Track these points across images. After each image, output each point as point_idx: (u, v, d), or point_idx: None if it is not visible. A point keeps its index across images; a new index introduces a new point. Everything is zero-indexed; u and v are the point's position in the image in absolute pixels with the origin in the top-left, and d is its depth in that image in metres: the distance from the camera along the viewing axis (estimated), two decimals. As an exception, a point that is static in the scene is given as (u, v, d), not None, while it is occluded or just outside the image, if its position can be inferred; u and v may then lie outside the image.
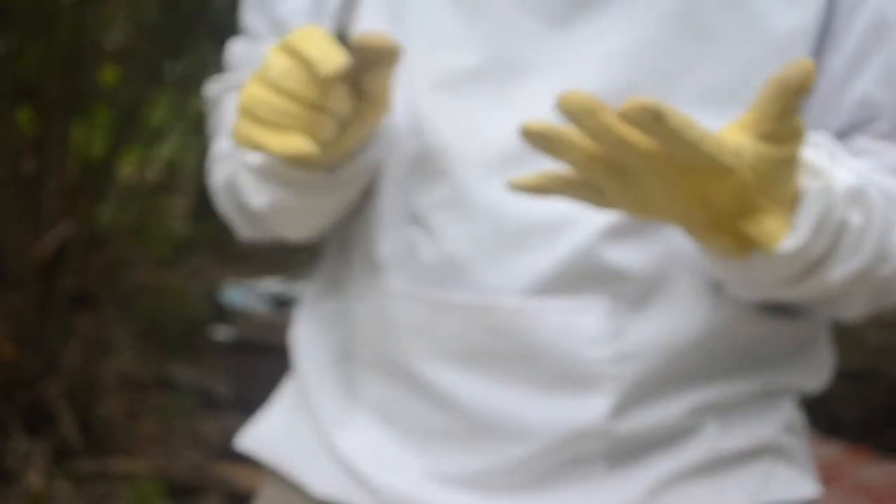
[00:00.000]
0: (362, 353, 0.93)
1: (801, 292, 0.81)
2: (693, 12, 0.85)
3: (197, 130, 4.93)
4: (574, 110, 0.68)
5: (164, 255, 4.66)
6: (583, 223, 0.84)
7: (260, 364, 3.31)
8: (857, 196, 0.79)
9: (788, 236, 0.75)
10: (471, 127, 0.87)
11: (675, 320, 0.86)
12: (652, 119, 0.67)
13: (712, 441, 0.88)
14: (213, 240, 5.59)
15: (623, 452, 0.87)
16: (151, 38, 3.43)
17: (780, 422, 0.91)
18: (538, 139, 0.70)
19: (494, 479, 0.88)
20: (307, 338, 0.99)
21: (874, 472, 3.10)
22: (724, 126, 0.74)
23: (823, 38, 0.86)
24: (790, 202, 0.75)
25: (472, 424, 0.88)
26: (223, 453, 3.30)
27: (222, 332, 3.49)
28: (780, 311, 0.89)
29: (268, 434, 1.00)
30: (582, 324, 0.85)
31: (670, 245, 0.85)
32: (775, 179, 0.73)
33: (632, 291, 0.85)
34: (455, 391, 0.88)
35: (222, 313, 3.57)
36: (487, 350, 0.87)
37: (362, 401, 0.93)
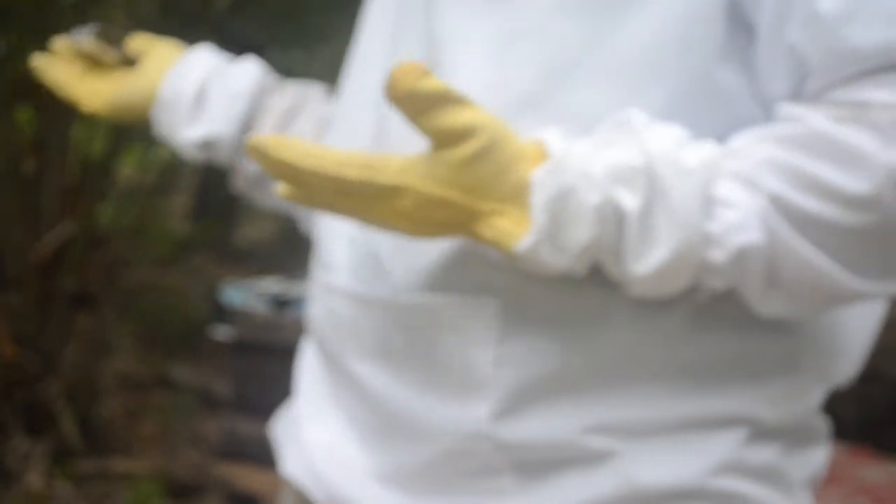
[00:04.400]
0: (322, 347, 0.95)
1: (638, 291, 0.76)
2: None
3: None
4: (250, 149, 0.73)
5: (164, 255, 4.66)
6: None
7: (260, 364, 3.31)
8: (626, 175, 0.73)
9: (525, 234, 0.73)
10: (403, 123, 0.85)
11: (568, 336, 0.80)
12: (261, 158, 0.71)
13: (625, 472, 0.81)
14: (213, 240, 5.59)
15: (530, 468, 0.83)
16: (151, 38, 3.42)
17: (715, 460, 0.81)
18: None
19: (413, 479, 0.87)
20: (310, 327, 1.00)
21: (875, 472, 3.10)
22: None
23: None
24: (521, 197, 0.74)
25: (389, 422, 0.87)
26: (223, 453, 3.29)
27: (222, 332, 3.48)
28: (719, 328, 0.81)
29: (285, 413, 1.04)
30: (469, 324, 0.82)
31: None
32: (477, 180, 0.73)
33: (524, 298, 0.81)
34: (375, 388, 0.87)
35: (222, 313, 3.57)
36: (397, 347, 0.86)
37: (334, 394, 0.94)
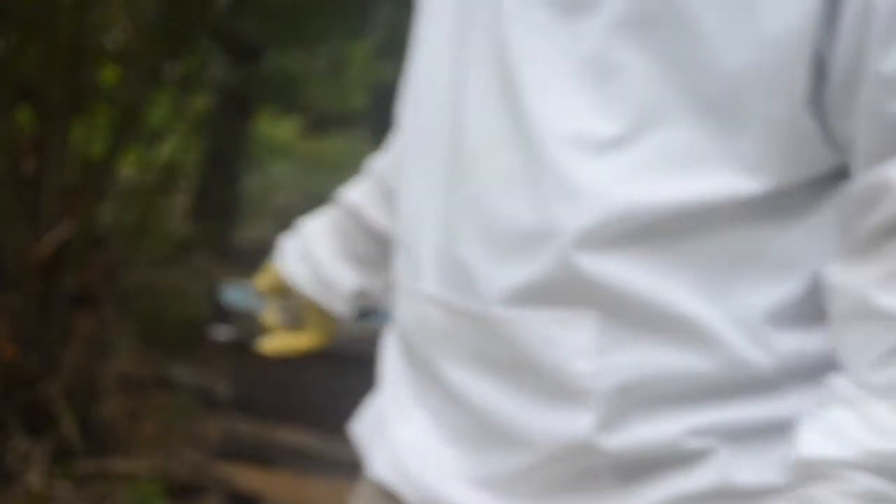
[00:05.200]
0: (408, 349, 0.97)
1: None
2: (677, 12, 0.78)
3: (197, 130, 4.92)
4: None
5: (164, 255, 4.66)
6: (558, 233, 0.82)
7: (260, 364, 3.31)
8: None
9: None
10: (485, 132, 0.87)
11: (668, 348, 0.82)
12: None
13: (723, 469, 0.83)
14: (213, 240, 5.59)
15: (630, 469, 0.85)
16: (151, 38, 3.43)
17: None
18: None
19: (510, 483, 0.88)
20: (390, 330, 1.04)
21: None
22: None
23: (827, 33, 0.75)
24: None
25: (485, 428, 0.89)
26: (223, 453, 3.30)
27: (222, 332, 3.48)
28: (815, 330, 0.84)
29: (365, 413, 1.08)
30: (567, 337, 0.83)
31: (674, 273, 0.81)
32: None
33: (622, 309, 0.82)
34: (470, 394, 0.89)
35: (222, 313, 3.57)
36: (492, 356, 0.87)
37: (419, 395, 0.96)
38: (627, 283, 0.81)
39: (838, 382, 0.79)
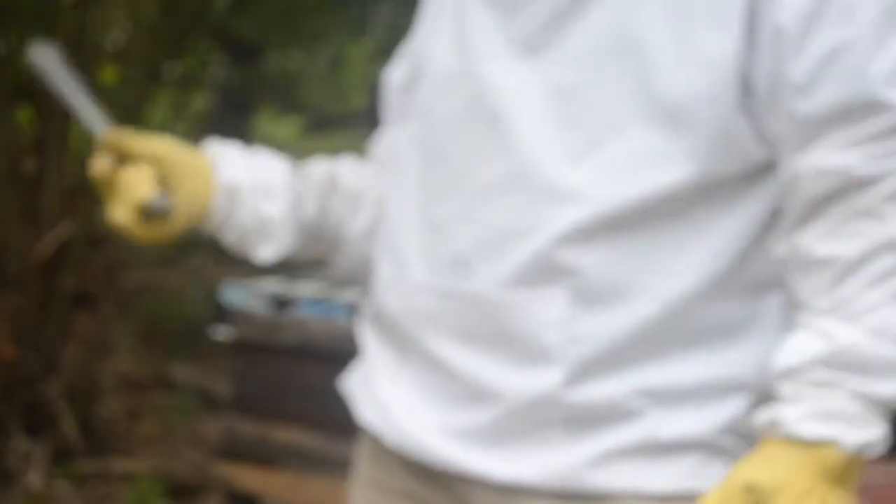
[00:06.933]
0: (392, 330, 1.11)
1: None
2: (633, 38, 0.99)
3: (197, 130, 4.92)
4: None
5: (164, 255, 4.66)
6: (542, 231, 1.01)
7: (260, 364, 3.31)
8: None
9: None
10: (470, 155, 1.05)
11: (624, 315, 1.01)
12: None
13: (651, 426, 1.01)
14: (213, 240, 5.58)
15: (576, 422, 1.02)
16: (151, 38, 3.43)
17: (721, 421, 1.02)
18: None
19: (475, 433, 1.05)
20: (365, 317, 1.19)
21: (874, 472, 3.10)
22: None
23: (749, 55, 0.97)
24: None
25: (465, 391, 1.05)
26: (223, 453, 3.30)
27: (222, 332, 3.48)
28: (733, 298, 1.02)
29: (354, 373, 1.20)
30: (543, 312, 1.01)
31: (632, 253, 1.00)
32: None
33: (589, 288, 1.01)
34: (454, 364, 1.06)
35: (222, 313, 3.57)
36: (477, 331, 1.05)
37: (404, 367, 1.11)
38: (595, 266, 1.01)
39: (797, 315, 1.01)
